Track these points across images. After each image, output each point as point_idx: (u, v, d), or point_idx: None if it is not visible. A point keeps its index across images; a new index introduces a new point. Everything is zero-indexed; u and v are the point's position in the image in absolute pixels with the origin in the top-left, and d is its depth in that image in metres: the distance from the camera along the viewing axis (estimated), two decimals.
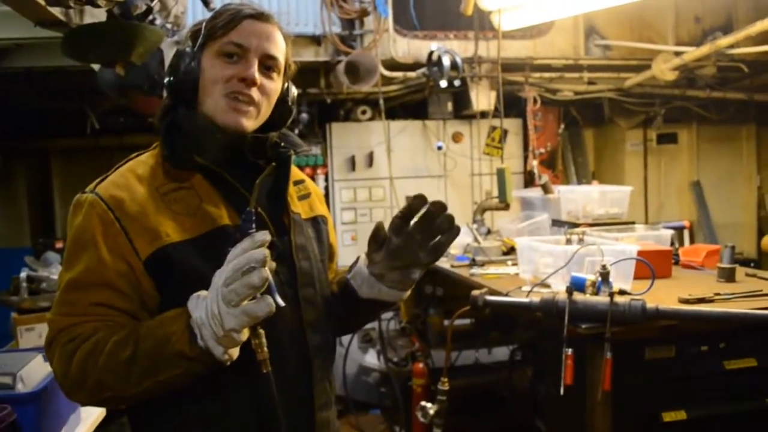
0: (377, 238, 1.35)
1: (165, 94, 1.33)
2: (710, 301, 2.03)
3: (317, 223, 1.49)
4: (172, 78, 1.30)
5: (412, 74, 4.77)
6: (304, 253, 1.38)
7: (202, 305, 1.13)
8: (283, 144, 1.39)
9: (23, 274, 3.00)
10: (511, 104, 5.15)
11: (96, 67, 3.37)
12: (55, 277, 3.01)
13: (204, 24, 1.31)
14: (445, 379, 1.98)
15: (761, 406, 2.01)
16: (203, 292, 1.15)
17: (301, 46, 4.58)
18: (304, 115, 4.73)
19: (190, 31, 1.34)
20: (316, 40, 4.59)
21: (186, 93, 1.30)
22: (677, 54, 4.81)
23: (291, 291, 1.32)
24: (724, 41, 4.35)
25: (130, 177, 1.28)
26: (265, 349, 1.16)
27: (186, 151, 1.29)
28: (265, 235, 1.12)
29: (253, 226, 1.17)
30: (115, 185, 1.26)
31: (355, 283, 1.42)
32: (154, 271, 1.22)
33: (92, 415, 2.13)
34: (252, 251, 1.10)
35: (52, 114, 4.75)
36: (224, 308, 1.09)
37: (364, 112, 4.93)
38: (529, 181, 5.15)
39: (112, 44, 2.61)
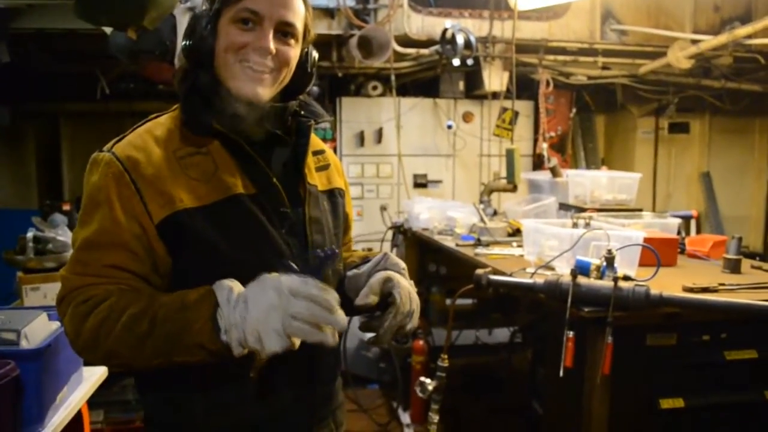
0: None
1: (182, 57, 1.31)
2: (714, 290, 2.03)
3: (334, 195, 1.47)
4: (188, 42, 1.28)
5: (424, 51, 4.74)
6: (318, 226, 1.36)
7: (237, 308, 1.09)
8: (303, 113, 1.38)
9: (30, 234, 3.02)
10: (524, 86, 5.12)
11: (108, 30, 3.35)
12: (62, 238, 3.03)
13: None
14: (445, 356, 1.99)
15: (759, 398, 2.01)
16: (235, 286, 1.12)
17: (314, 18, 4.53)
18: (315, 89, 4.71)
19: None
20: (329, 12, 4.55)
21: (202, 58, 1.28)
22: (694, 42, 4.75)
23: (295, 266, 1.29)
24: (741, 31, 4.30)
25: (148, 138, 1.26)
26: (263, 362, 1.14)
27: (205, 117, 1.27)
28: (336, 299, 1.09)
29: (328, 263, 1.19)
30: (132, 146, 1.24)
31: (348, 284, 1.40)
32: (167, 236, 1.21)
33: (95, 374, 2.15)
34: (339, 318, 1.07)
35: (62, 77, 4.73)
36: (278, 328, 1.05)
37: (375, 88, 4.91)
38: (538, 164, 5.13)
39: (124, 8, 2.59)
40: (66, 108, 5.18)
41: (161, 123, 1.31)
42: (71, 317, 1.17)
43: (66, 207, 3.56)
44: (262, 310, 1.07)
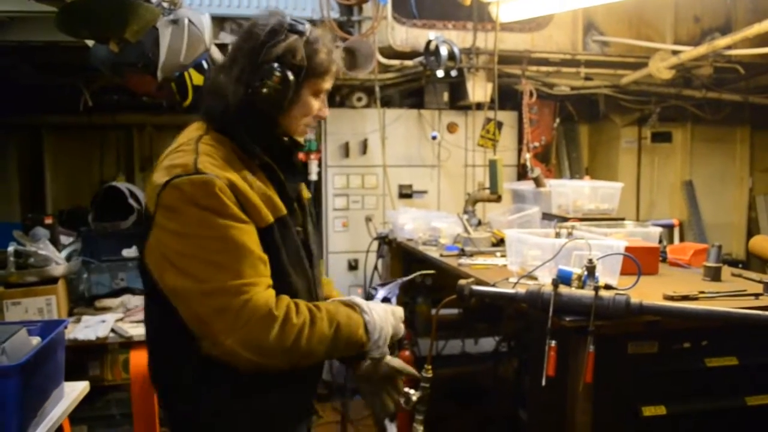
0: None
1: (237, 94, 1.49)
2: (694, 298, 2.04)
3: (310, 204, 1.77)
4: (265, 93, 1.47)
5: (409, 63, 4.76)
6: (314, 238, 1.70)
7: (381, 324, 1.58)
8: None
9: (11, 249, 2.99)
10: (508, 97, 5.15)
11: (90, 43, 3.34)
12: (43, 252, 3.00)
13: (305, 55, 1.50)
14: (429, 367, 1.98)
15: (740, 404, 2.02)
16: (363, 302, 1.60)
17: None
18: None
19: (282, 47, 1.49)
20: (313, 24, 4.55)
21: (273, 111, 1.52)
22: (675, 53, 4.81)
23: (311, 272, 1.63)
24: (721, 42, 4.36)
25: (221, 161, 1.45)
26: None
27: (257, 149, 1.52)
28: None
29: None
30: (218, 167, 1.42)
31: None
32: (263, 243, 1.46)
33: (76, 390, 2.13)
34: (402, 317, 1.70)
35: (45, 89, 4.71)
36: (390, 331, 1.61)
37: (359, 99, 4.93)
38: (522, 174, 5.15)
39: (106, 20, 2.60)
40: (48, 120, 5.14)
41: (216, 147, 1.48)
42: (265, 319, 1.37)
43: (48, 221, 3.53)
44: (384, 318, 1.60)
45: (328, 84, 1.57)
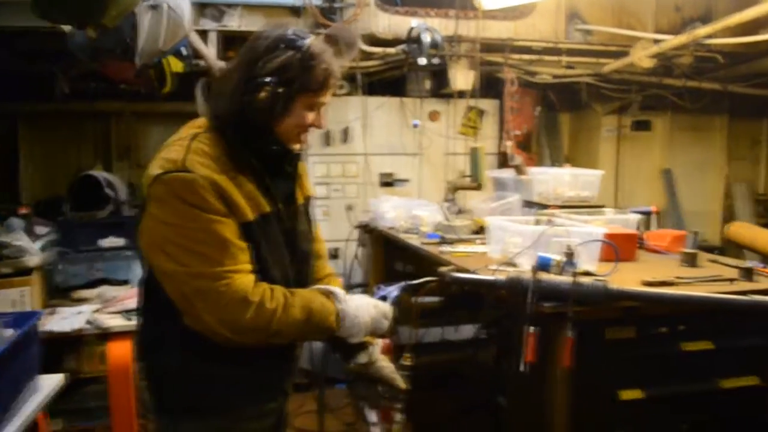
0: None
1: (234, 103, 1.56)
2: (671, 284, 2.07)
3: (308, 204, 1.84)
4: (256, 105, 1.53)
5: (391, 50, 4.74)
6: (304, 236, 1.78)
7: (355, 313, 1.68)
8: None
9: None
10: (490, 85, 5.15)
11: (67, 28, 3.28)
12: (18, 243, 2.96)
13: (298, 71, 1.53)
14: (408, 355, 1.99)
15: (715, 387, 2.05)
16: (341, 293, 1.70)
17: (280, 16, 4.50)
18: None
19: (276, 62, 1.53)
20: (295, 11, 4.52)
21: (263, 122, 1.57)
22: (656, 42, 4.83)
23: (290, 266, 1.70)
24: (702, 31, 4.38)
25: (209, 161, 1.53)
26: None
27: (244, 153, 1.59)
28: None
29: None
30: (204, 166, 1.51)
31: None
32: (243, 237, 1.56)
33: (51, 383, 2.10)
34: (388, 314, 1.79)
35: (20, 76, 4.62)
36: (367, 320, 1.71)
37: (341, 87, 4.89)
38: (503, 162, 5.16)
39: (83, 6, 2.55)
40: (24, 108, 5.04)
41: (209, 146, 1.57)
42: (238, 305, 1.49)
43: (23, 211, 3.47)
44: (362, 308, 1.71)
45: (323, 98, 1.62)
